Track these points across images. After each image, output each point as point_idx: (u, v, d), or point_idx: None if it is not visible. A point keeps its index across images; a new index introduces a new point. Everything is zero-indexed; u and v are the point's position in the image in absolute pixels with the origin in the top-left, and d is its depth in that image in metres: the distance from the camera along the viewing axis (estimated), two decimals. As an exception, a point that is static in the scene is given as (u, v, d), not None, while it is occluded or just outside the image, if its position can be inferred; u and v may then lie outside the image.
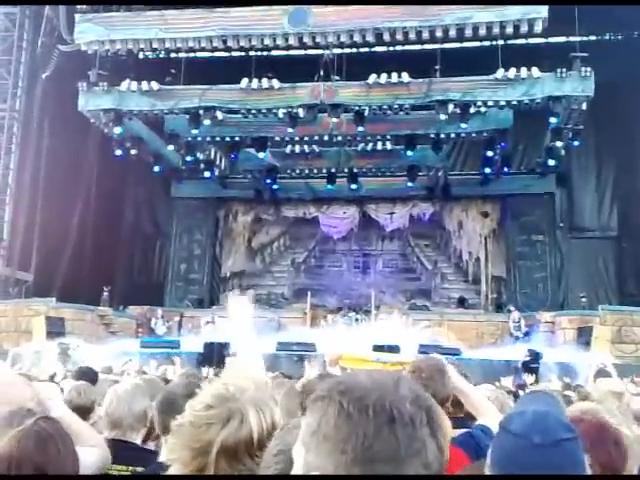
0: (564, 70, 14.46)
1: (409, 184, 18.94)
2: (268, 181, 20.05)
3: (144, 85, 15.92)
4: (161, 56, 17.50)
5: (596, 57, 14.76)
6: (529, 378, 8.39)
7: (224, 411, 1.50)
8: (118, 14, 15.86)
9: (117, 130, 16.55)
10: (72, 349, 12.15)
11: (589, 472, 1.34)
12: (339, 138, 17.73)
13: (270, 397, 1.63)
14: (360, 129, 16.15)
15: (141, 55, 17.44)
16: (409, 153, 17.24)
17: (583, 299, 17.14)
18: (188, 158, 18.87)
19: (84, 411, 3.03)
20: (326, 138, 17.73)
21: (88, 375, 4.98)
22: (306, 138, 18.01)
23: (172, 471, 1.56)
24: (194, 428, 1.49)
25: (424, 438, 0.86)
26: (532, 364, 11.94)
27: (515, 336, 15.87)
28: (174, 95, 16.23)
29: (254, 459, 1.47)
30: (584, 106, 14.99)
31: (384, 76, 15.11)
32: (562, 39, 16.38)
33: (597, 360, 9.57)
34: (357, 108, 15.76)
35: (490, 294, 20.24)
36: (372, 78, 15.19)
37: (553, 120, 15.46)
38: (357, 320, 17.57)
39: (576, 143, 16.80)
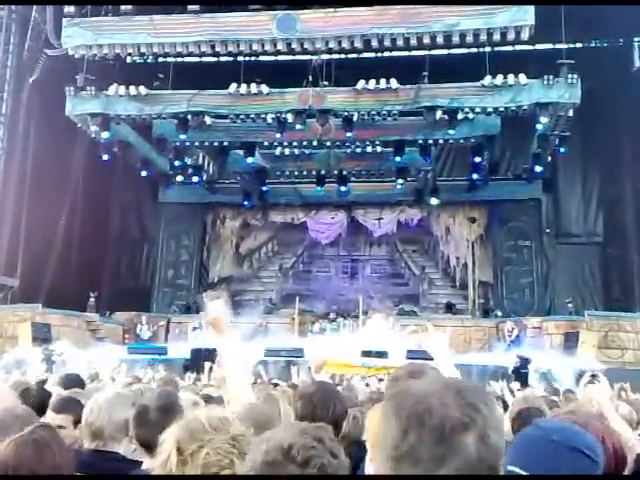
0: (551, 77, 14.56)
1: (398, 185, 18.93)
2: (257, 183, 20.01)
3: (132, 90, 15.85)
4: (149, 61, 17.46)
5: (582, 64, 14.88)
6: (516, 384, 8.40)
7: None
8: (106, 18, 15.77)
9: (104, 135, 16.47)
10: (56, 355, 12.03)
11: None
12: (328, 143, 17.78)
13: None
14: (349, 135, 16.20)
15: (129, 60, 17.38)
16: (397, 159, 17.30)
17: (569, 304, 17.23)
18: (176, 163, 18.78)
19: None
20: (315, 143, 17.77)
21: (75, 382, 4.93)
22: (295, 143, 18.05)
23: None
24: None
25: (466, 441, 0.93)
26: (522, 370, 11.99)
27: (507, 343, 15.91)
28: (162, 100, 16.18)
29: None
30: (570, 113, 15.14)
31: (372, 82, 15.17)
32: (549, 46, 16.51)
33: (587, 366, 9.62)
34: (346, 114, 15.82)
35: (477, 299, 20.29)
36: (361, 84, 15.24)
37: (540, 127, 15.57)
38: (345, 325, 17.56)
39: (562, 150, 16.95)
